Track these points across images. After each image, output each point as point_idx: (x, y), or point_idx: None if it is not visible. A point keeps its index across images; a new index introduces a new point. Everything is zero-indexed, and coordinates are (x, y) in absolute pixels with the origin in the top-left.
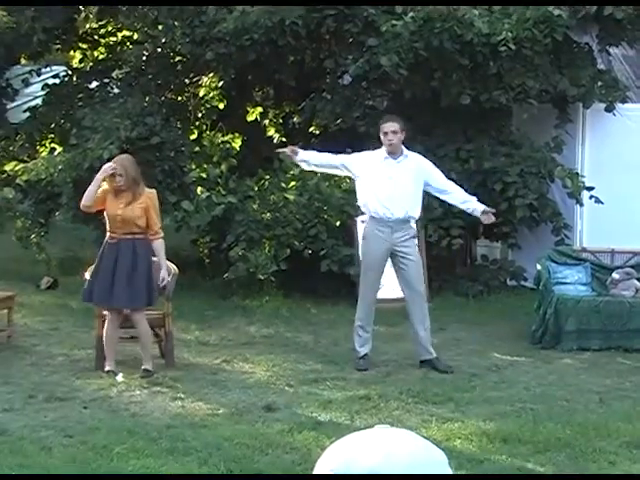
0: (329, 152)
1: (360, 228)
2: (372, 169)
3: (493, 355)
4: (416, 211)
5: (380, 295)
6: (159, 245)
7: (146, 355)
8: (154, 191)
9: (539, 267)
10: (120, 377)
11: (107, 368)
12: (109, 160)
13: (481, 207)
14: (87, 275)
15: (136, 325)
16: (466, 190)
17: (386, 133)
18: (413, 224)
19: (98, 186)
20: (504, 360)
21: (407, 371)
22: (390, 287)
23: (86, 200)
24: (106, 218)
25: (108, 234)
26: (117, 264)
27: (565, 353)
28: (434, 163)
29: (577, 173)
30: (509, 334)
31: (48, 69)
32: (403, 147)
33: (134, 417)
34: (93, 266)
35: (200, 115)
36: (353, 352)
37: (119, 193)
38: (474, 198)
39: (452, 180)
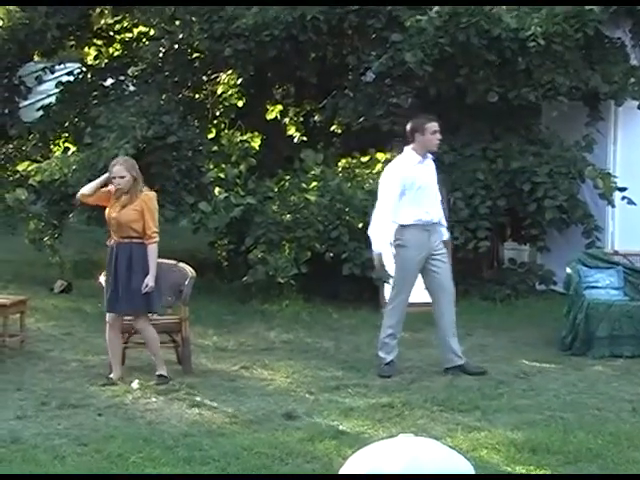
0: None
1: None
2: (412, 177)
3: (521, 362)
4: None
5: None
6: (151, 250)
7: (158, 361)
8: (153, 194)
9: (569, 271)
10: (135, 384)
11: (112, 376)
12: None
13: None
14: (102, 280)
15: (140, 332)
16: (493, 190)
17: (435, 132)
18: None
19: (102, 182)
20: (533, 367)
21: (432, 378)
22: (416, 291)
23: (85, 189)
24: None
25: (109, 238)
26: (116, 269)
27: (596, 360)
28: (459, 162)
29: (609, 173)
30: (538, 340)
31: (62, 66)
32: None
33: (150, 425)
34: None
35: (218, 113)
36: (376, 358)
37: (120, 196)
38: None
39: (479, 181)
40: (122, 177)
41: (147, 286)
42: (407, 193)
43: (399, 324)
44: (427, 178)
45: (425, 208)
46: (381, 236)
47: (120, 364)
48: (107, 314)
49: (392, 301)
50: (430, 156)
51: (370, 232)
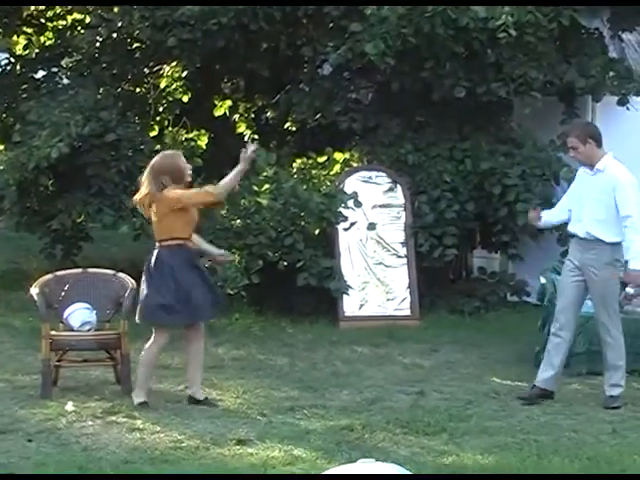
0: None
1: (342, 236)
2: None
3: (492, 380)
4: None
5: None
6: None
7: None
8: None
9: (543, 281)
10: (70, 406)
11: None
12: (57, 159)
13: None
14: (33, 292)
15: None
16: (461, 193)
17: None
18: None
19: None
20: (504, 385)
21: (395, 398)
22: (377, 304)
23: (227, 192)
24: (183, 221)
25: (181, 241)
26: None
27: (573, 378)
28: (425, 163)
29: None
30: (510, 356)
31: None
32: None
33: (86, 451)
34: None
35: (161, 109)
36: (332, 377)
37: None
38: None
39: (446, 183)
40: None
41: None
42: None
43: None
44: None
45: None
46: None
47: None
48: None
49: None
50: (600, 169)
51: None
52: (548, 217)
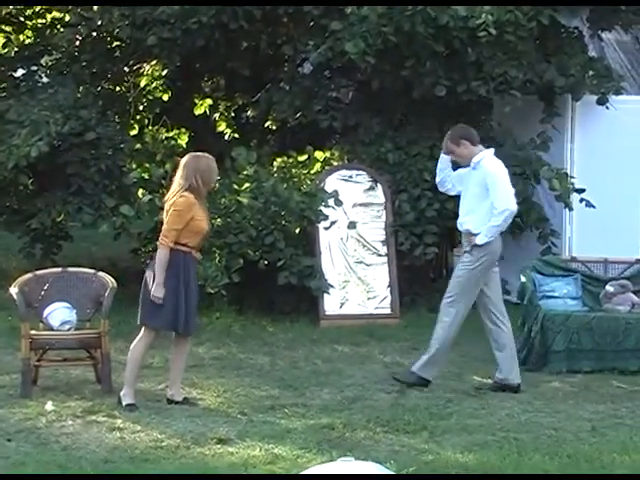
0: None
1: (323, 235)
2: None
3: (472, 378)
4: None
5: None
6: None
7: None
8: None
9: (523, 279)
10: (49, 405)
11: (130, 401)
12: (37, 158)
13: None
14: (12, 291)
15: (182, 347)
16: (441, 194)
17: None
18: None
19: None
20: (484, 384)
21: (375, 396)
22: (357, 303)
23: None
24: (188, 231)
25: (186, 248)
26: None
27: (553, 376)
28: (405, 161)
29: (566, 173)
30: (490, 355)
31: None
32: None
33: (66, 450)
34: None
35: (141, 108)
36: (313, 376)
37: (201, 202)
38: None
39: (426, 181)
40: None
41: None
42: None
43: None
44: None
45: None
46: None
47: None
48: (154, 334)
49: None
50: (475, 163)
51: None
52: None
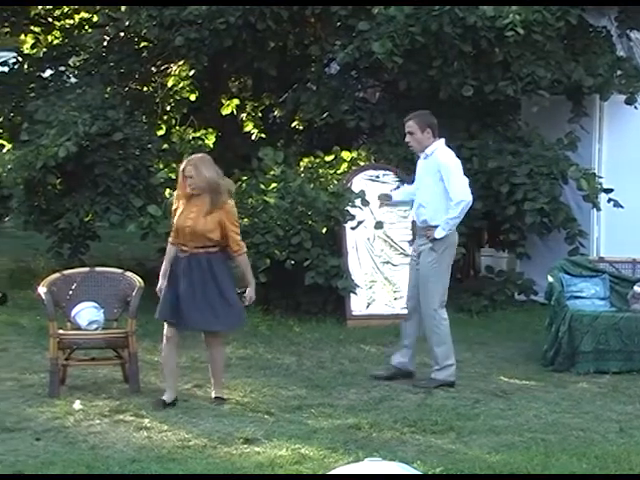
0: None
1: (349, 235)
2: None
3: (499, 379)
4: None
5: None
6: (244, 260)
7: (218, 382)
8: (232, 202)
9: (551, 279)
10: (77, 404)
11: (164, 398)
12: (65, 158)
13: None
14: (41, 291)
15: (214, 349)
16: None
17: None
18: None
19: None
20: (511, 384)
21: (402, 396)
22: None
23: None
24: (174, 227)
25: (176, 247)
26: (191, 282)
27: (581, 376)
28: None
29: (594, 173)
30: (517, 355)
31: None
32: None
33: (93, 450)
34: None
35: (169, 108)
36: (339, 376)
37: (192, 199)
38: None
39: None
40: (191, 177)
41: (251, 299)
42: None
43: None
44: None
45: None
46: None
47: (176, 383)
48: (167, 328)
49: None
50: (428, 154)
51: None
52: (397, 196)
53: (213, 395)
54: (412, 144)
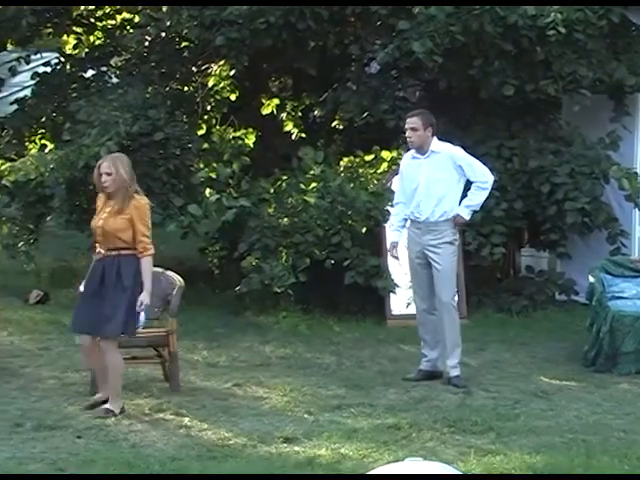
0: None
1: (389, 235)
2: (401, 171)
3: (540, 379)
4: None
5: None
6: (145, 263)
7: (114, 393)
8: (145, 199)
9: (592, 279)
10: None
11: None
12: None
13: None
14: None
15: (107, 355)
16: (509, 192)
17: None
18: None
19: None
20: (552, 385)
21: (442, 396)
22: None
23: None
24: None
25: (94, 249)
26: (102, 284)
27: (622, 377)
28: None
29: (636, 173)
30: (558, 355)
31: (38, 56)
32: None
33: (134, 448)
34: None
35: (209, 108)
36: (379, 376)
37: (108, 200)
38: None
39: (494, 181)
40: (109, 174)
41: (142, 304)
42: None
43: (419, 328)
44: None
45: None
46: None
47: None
48: (80, 337)
49: None
50: (434, 151)
51: None
52: (398, 237)
53: (105, 406)
54: (413, 139)
